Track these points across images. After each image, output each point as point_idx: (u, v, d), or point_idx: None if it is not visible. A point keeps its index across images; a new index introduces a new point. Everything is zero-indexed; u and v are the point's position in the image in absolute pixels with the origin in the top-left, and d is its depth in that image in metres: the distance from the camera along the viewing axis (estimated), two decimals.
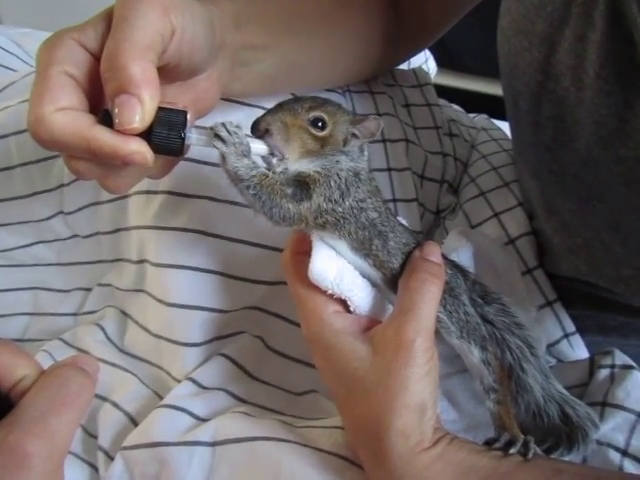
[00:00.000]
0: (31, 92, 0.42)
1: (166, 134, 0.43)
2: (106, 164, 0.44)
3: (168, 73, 0.47)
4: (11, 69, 0.87)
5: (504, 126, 0.79)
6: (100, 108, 0.44)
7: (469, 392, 0.58)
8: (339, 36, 0.67)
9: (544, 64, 0.54)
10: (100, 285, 0.71)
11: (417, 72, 0.84)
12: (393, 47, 0.73)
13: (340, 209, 0.48)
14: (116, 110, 0.41)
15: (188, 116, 0.45)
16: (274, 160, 0.48)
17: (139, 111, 0.41)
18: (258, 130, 0.48)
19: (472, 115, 0.93)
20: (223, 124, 0.46)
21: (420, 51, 0.89)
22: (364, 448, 0.48)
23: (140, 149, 0.42)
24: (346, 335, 0.48)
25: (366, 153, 0.51)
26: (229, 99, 0.61)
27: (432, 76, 1.01)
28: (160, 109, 0.43)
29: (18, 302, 0.73)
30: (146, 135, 0.43)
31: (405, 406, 0.45)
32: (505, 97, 0.63)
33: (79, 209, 0.68)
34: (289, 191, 0.47)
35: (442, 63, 1.19)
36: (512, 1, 0.57)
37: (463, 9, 0.73)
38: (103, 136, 0.42)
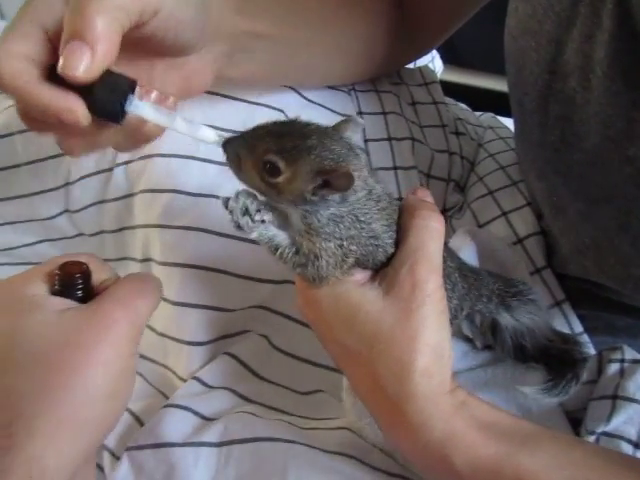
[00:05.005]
0: None
1: (106, 97, 0.42)
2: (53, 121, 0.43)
3: (154, 47, 0.47)
4: None
5: (511, 123, 0.78)
6: None
7: (470, 389, 0.58)
8: (342, 34, 0.67)
9: (551, 64, 0.54)
10: None
11: (423, 70, 0.83)
12: (398, 47, 0.72)
13: (354, 247, 0.45)
14: (65, 53, 0.39)
15: (137, 87, 0.43)
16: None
17: (86, 61, 0.39)
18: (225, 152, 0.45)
19: (478, 113, 0.93)
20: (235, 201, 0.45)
21: (427, 53, 0.89)
22: (383, 405, 0.46)
23: (72, 107, 0.41)
24: (352, 282, 0.46)
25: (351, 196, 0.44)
26: (217, 93, 0.61)
27: (438, 75, 1.00)
28: (109, 72, 0.42)
29: None
30: (88, 97, 0.42)
31: (426, 344, 0.44)
32: (511, 97, 0.62)
33: (85, 207, 0.68)
34: (302, 260, 0.45)
35: (448, 60, 1.19)
36: (519, 1, 0.57)
37: (468, 11, 0.72)
38: (41, 86, 0.41)
